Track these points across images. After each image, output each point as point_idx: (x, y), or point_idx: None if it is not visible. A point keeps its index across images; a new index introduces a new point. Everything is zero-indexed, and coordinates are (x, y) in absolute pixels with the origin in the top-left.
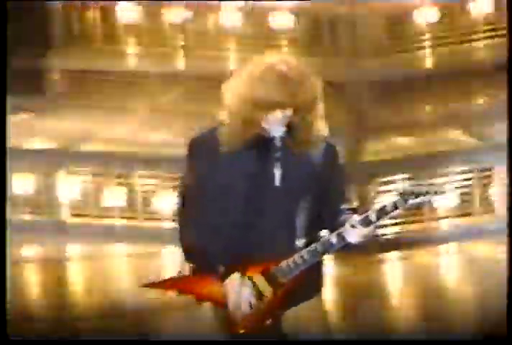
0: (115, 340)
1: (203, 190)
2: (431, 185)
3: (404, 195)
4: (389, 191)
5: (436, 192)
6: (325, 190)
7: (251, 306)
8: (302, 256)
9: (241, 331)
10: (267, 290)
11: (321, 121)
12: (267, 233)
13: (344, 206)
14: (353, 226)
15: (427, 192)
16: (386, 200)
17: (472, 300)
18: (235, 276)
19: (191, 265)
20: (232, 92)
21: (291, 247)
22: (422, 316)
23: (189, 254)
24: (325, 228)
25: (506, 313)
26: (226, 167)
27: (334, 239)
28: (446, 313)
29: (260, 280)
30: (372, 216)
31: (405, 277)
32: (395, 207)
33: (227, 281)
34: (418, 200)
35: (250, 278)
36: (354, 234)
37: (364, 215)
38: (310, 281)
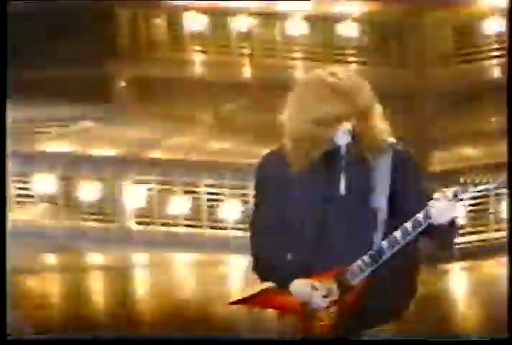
0: (116, 340)
1: (273, 213)
2: (493, 176)
3: (464, 185)
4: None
5: (495, 181)
6: (400, 196)
7: (324, 305)
8: (370, 255)
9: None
10: (337, 294)
11: (383, 125)
12: (337, 242)
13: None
14: (437, 201)
15: (486, 181)
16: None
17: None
18: (297, 282)
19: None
20: (291, 116)
21: (362, 253)
22: (488, 327)
23: (264, 274)
24: None
25: (507, 312)
26: (297, 186)
27: (398, 234)
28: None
29: (331, 285)
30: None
31: (471, 287)
32: (455, 196)
33: (292, 289)
34: (478, 188)
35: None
36: (435, 207)
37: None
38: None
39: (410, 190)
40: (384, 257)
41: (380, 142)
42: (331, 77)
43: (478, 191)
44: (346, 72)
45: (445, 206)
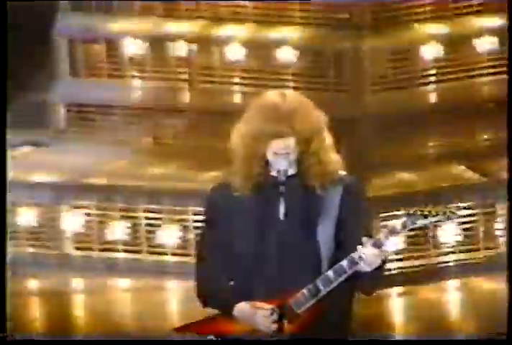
0: (115, 340)
1: (218, 238)
2: (442, 208)
3: (413, 216)
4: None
5: (445, 213)
6: (344, 226)
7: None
8: (315, 285)
9: None
10: (283, 323)
11: (332, 154)
12: (281, 270)
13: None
14: (363, 248)
15: (436, 214)
16: (396, 221)
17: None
18: (242, 304)
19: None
20: (235, 135)
21: (307, 280)
22: None
23: (206, 300)
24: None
25: (507, 312)
26: (238, 211)
27: (344, 263)
28: None
29: (275, 309)
30: (382, 237)
31: (407, 312)
32: (404, 227)
33: (236, 312)
34: (427, 220)
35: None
36: (364, 256)
37: (375, 237)
38: (334, 324)
39: (356, 226)
40: (327, 288)
41: (329, 174)
42: (278, 98)
43: (427, 223)
44: (298, 97)
45: (373, 254)
